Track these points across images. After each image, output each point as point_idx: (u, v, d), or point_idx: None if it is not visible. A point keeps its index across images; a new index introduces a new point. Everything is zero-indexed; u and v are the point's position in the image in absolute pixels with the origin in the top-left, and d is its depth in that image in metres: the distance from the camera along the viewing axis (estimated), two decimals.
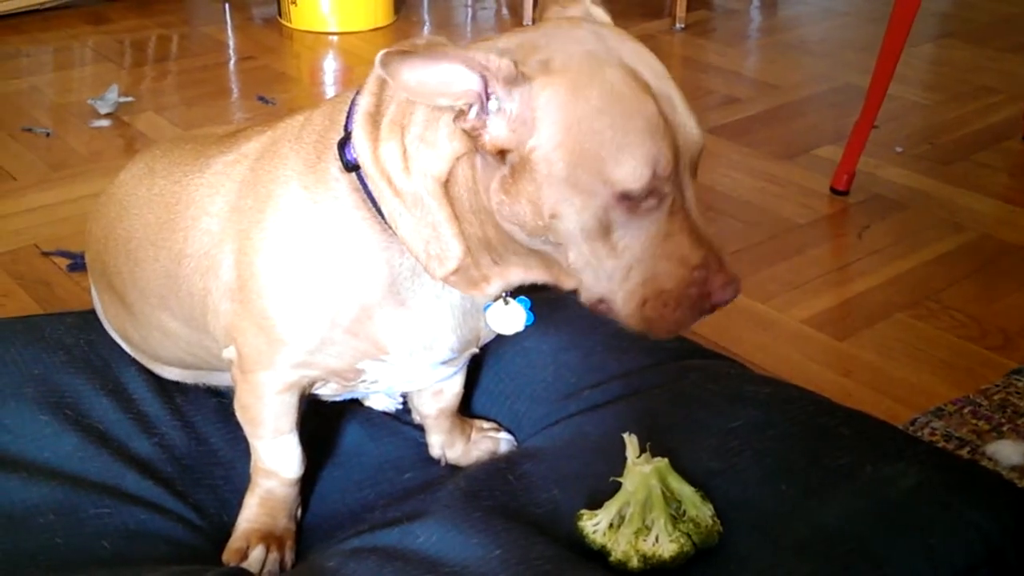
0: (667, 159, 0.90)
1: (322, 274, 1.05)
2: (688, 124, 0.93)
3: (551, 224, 0.92)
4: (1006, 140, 2.68)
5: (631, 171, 0.88)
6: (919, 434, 1.56)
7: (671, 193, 0.92)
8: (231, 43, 3.42)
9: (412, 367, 1.13)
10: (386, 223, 1.03)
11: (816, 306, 1.93)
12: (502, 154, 0.92)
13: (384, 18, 3.56)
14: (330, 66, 3.34)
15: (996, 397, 1.66)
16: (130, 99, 2.84)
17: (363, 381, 1.16)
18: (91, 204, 1.36)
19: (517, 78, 0.89)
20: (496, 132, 0.91)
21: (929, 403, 1.66)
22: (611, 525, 1.09)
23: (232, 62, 3.24)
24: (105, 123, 2.71)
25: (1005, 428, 1.59)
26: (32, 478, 1.20)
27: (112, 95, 2.78)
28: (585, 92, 0.89)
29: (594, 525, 1.10)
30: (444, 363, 1.16)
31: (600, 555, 1.09)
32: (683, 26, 3.54)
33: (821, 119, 2.82)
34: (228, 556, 1.18)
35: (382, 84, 1.03)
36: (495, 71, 0.88)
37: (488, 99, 0.90)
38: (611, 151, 0.88)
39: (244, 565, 1.17)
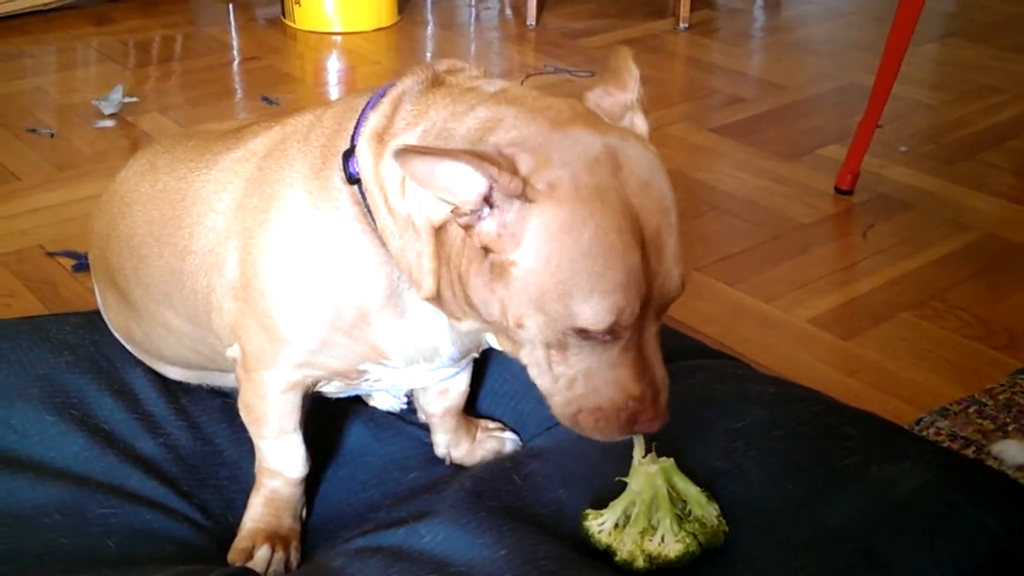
0: (632, 311, 0.91)
1: (322, 279, 1.05)
2: (671, 274, 0.94)
3: (512, 326, 0.94)
4: (1011, 139, 2.68)
5: (594, 314, 0.90)
6: (924, 434, 1.56)
7: (629, 333, 0.94)
8: (235, 43, 3.42)
9: (413, 371, 1.14)
10: (380, 238, 1.03)
11: (821, 306, 1.93)
12: (486, 250, 0.92)
13: (388, 18, 3.56)
14: (334, 66, 3.34)
15: (1001, 397, 1.66)
16: (134, 99, 2.84)
17: (366, 380, 1.16)
18: (96, 204, 1.36)
19: (522, 195, 0.89)
20: (486, 231, 0.91)
21: (934, 403, 1.65)
22: (616, 525, 1.09)
23: (236, 62, 3.24)
24: (109, 124, 2.71)
25: (1010, 428, 1.58)
26: (38, 478, 1.20)
27: (116, 95, 2.78)
28: (578, 231, 0.89)
29: (599, 525, 1.10)
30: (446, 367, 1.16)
31: (606, 555, 1.09)
32: (687, 26, 3.53)
33: (825, 119, 2.81)
34: (233, 556, 1.18)
35: (396, 106, 1.03)
36: (503, 184, 0.88)
37: (488, 202, 0.90)
38: (583, 291, 0.89)
39: (249, 565, 1.16)
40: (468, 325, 1.03)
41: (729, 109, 2.88)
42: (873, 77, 2.30)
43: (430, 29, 3.62)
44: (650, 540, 1.06)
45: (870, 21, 3.64)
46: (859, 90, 2.86)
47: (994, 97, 2.95)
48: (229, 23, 3.59)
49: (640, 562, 1.06)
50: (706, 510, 1.08)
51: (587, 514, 1.11)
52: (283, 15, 3.58)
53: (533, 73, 3.12)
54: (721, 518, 1.09)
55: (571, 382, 0.96)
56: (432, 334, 1.10)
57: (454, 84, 1.04)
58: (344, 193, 1.04)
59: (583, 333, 0.92)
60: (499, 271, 0.92)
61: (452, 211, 0.92)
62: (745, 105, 2.91)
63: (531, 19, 3.58)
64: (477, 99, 0.99)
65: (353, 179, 1.02)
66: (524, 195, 0.89)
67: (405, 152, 0.87)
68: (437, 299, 1.01)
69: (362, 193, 1.03)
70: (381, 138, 1.01)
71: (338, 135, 1.06)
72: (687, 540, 1.06)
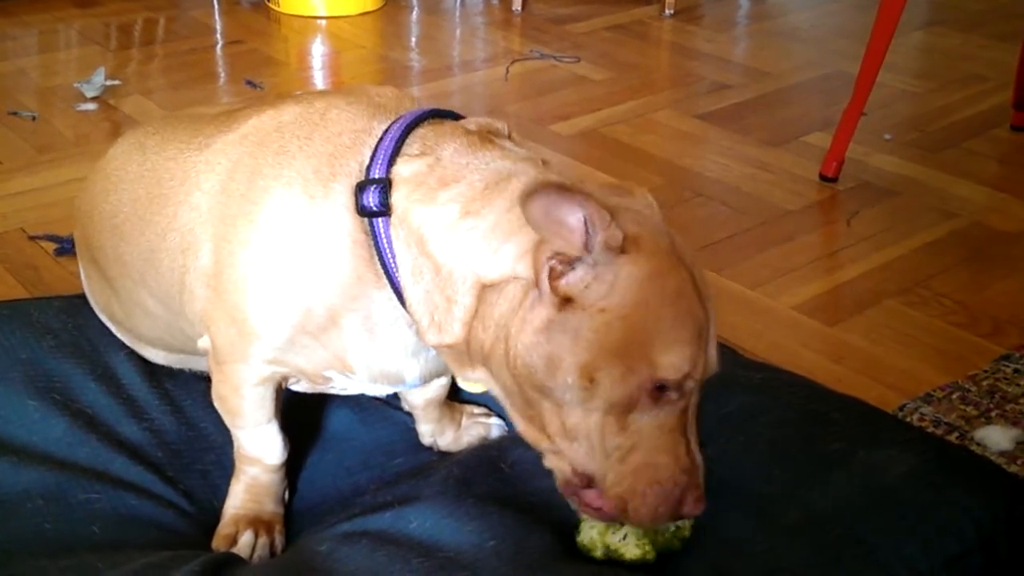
0: (701, 365, 0.95)
1: (301, 282, 1.03)
2: (712, 348, 0.97)
3: (578, 385, 0.93)
4: (995, 128, 2.68)
5: (673, 362, 0.93)
6: (908, 419, 1.57)
7: (688, 396, 0.96)
8: (219, 27, 3.40)
9: (378, 387, 1.13)
10: (379, 267, 1.02)
11: (807, 292, 1.93)
12: (567, 301, 0.92)
13: (373, 2, 3.55)
14: (318, 50, 3.33)
15: (985, 383, 1.66)
16: (117, 82, 2.82)
17: (332, 388, 1.15)
18: (78, 187, 1.35)
19: (619, 245, 0.91)
20: (575, 280, 0.92)
21: (919, 389, 1.66)
22: None
23: (220, 46, 3.22)
24: (91, 106, 2.69)
25: (993, 414, 1.59)
26: (21, 463, 1.19)
27: (99, 78, 2.76)
28: (664, 280, 0.93)
29: None
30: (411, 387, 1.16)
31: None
32: (672, 12, 3.53)
33: (810, 106, 2.82)
34: (217, 542, 1.18)
35: (436, 156, 1.02)
36: (610, 233, 0.90)
37: (586, 249, 0.91)
38: (664, 339, 0.92)
39: (234, 550, 1.16)
40: (479, 375, 1.02)
41: (714, 96, 2.88)
42: (858, 65, 2.30)
43: (415, 14, 3.61)
44: (613, 534, 1.07)
45: (855, 9, 3.65)
46: (844, 78, 2.86)
47: (979, 85, 2.96)
48: (213, 6, 3.56)
49: (598, 552, 1.08)
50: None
51: None
52: None
53: (519, 59, 3.11)
54: (685, 528, 1.09)
55: (626, 453, 0.96)
56: (398, 360, 1.09)
57: (506, 146, 1.05)
58: (348, 217, 1.02)
59: (657, 389, 0.93)
60: (575, 323, 0.92)
61: (552, 256, 0.92)
62: (730, 92, 2.91)
63: (517, 5, 3.57)
64: (534, 166, 1.02)
65: (364, 211, 1.01)
66: (622, 245, 0.91)
67: (538, 188, 0.87)
68: (448, 347, 1.01)
69: (372, 225, 1.01)
70: (422, 181, 1.00)
71: (350, 152, 1.04)
72: (646, 548, 1.06)
